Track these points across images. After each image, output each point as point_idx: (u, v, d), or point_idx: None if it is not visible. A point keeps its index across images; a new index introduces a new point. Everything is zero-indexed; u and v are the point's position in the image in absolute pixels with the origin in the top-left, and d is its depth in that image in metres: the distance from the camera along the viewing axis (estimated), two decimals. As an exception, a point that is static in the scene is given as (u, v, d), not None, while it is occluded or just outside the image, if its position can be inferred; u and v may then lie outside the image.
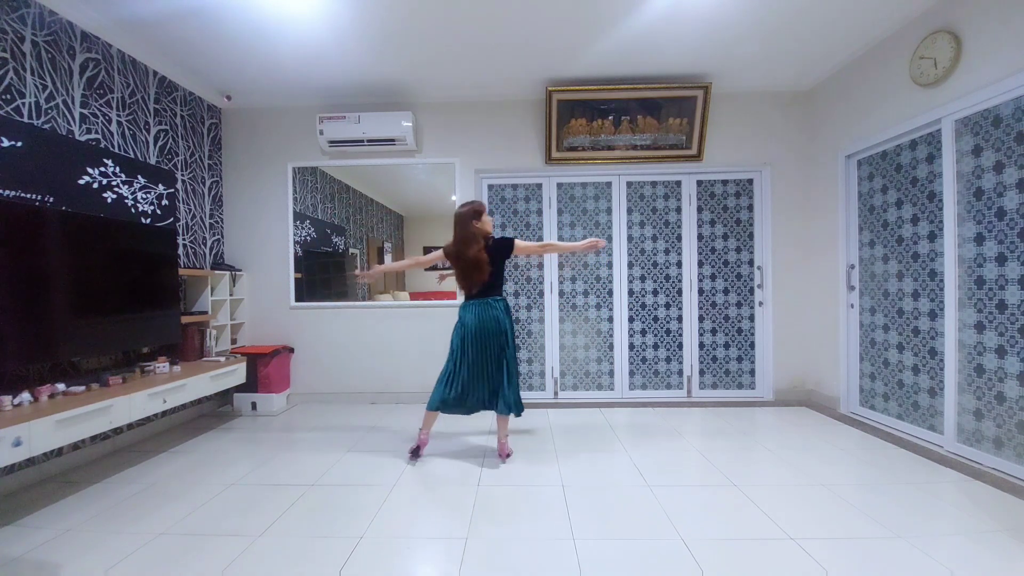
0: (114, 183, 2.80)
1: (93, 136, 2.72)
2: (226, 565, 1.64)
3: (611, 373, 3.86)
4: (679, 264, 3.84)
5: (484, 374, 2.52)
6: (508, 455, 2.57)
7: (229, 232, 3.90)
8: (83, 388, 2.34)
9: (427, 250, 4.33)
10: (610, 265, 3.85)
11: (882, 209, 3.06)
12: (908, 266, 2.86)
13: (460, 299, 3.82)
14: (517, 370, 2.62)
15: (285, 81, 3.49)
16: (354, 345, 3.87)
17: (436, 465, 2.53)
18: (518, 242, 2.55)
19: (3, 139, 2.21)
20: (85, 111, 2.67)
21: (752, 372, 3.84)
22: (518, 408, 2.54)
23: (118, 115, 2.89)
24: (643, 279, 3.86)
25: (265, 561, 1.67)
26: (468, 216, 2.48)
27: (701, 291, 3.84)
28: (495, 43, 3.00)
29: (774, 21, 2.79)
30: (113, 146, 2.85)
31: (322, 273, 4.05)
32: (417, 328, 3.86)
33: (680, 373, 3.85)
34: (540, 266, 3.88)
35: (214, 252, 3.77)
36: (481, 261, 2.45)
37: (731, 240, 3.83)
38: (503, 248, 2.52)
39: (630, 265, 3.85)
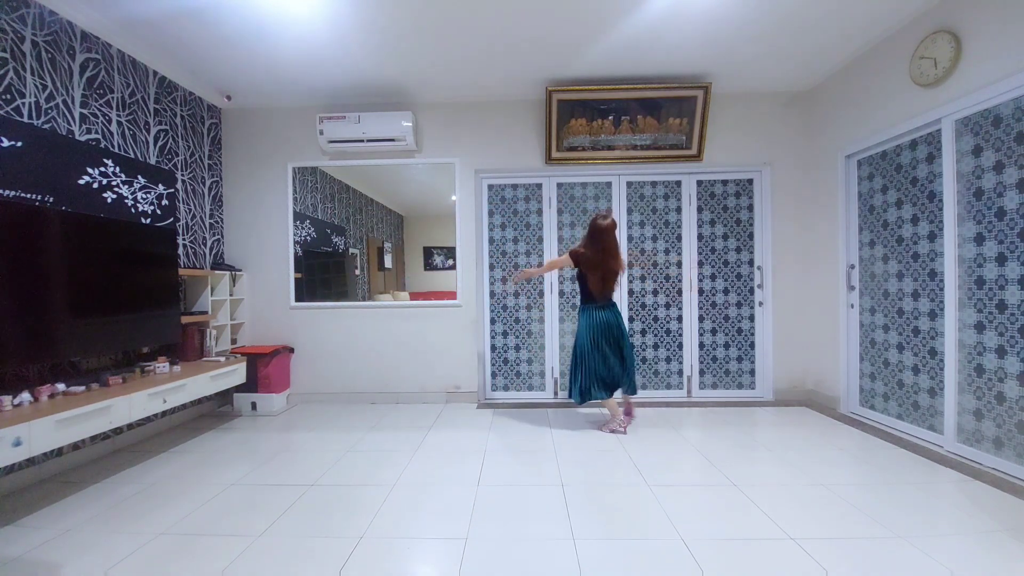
0: (114, 183, 2.80)
1: (93, 136, 2.72)
2: (226, 565, 1.64)
3: (611, 373, 3.86)
4: (679, 264, 3.84)
5: (614, 363, 2.96)
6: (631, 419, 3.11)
7: (229, 232, 3.90)
8: (83, 388, 2.34)
9: (427, 250, 4.38)
10: (610, 265, 3.85)
11: (882, 209, 3.06)
12: (908, 266, 2.86)
13: (462, 299, 3.84)
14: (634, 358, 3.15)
15: (285, 81, 3.49)
16: (354, 345, 3.87)
17: (436, 465, 2.54)
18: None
19: (3, 139, 2.21)
20: (85, 111, 2.67)
21: (752, 372, 3.84)
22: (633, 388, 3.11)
23: (118, 115, 2.89)
24: (643, 279, 3.86)
25: (265, 561, 1.67)
26: (613, 229, 2.88)
27: (701, 291, 3.84)
28: (495, 43, 3.00)
29: (774, 21, 2.80)
30: (113, 146, 2.85)
31: (322, 273, 4.05)
32: (417, 328, 3.85)
33: (680, 373, 3.85)
34: (539, 266, 3.86)
35: (214, 252, 3.77)
36: (619, 272, 2.96)
37: (731, 240, 3.83)
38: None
39: (630, 265, 3.85)
